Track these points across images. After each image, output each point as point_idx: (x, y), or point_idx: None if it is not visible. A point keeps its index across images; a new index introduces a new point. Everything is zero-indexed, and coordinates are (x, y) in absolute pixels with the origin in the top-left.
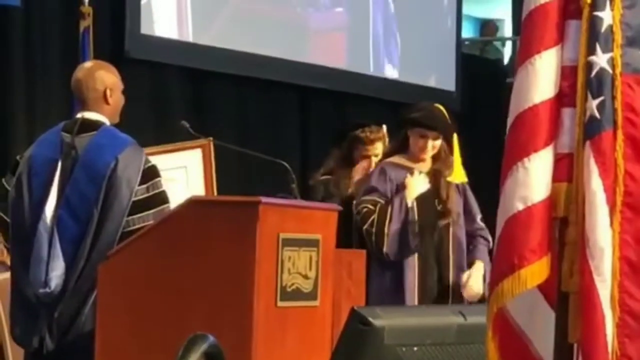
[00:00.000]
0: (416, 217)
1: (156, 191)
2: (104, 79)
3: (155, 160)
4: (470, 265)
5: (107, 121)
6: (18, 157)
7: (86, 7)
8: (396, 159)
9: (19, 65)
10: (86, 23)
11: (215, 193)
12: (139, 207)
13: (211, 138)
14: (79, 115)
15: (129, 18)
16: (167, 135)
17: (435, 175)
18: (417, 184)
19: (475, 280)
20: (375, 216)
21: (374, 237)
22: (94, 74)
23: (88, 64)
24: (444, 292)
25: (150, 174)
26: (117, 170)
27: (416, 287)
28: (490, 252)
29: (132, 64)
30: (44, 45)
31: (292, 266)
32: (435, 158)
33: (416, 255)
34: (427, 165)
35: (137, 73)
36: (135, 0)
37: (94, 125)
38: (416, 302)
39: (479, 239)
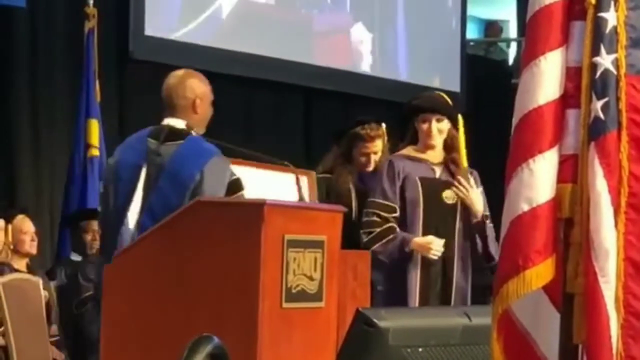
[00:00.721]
0: (421, 216)
1: None
2: (194, 87)
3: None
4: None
5: (193, 130)
6: (108, 159)
7: (91, 9)
8: (405, 150)
9: (23, 66)
10: (91, 24)
11: None
12: None
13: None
14: (165, 122)
15: (133, 19)
16: None
17: (453, 166)
18: (433, 245)
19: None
20: (375, 232)
21: (362, 245)
22: (185, 82)
23: (180, 72)
24: (447, 287)
25: (235, 187)
26: (202, 182)
27: (418, 281)
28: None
29: (137, 64)
30: (48, 46)
31: (297, 267)
32: (448, 148)
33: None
34: (438, 155)
35: (142, 74)
36: (139, 1)
37: (180, 134)
38: (418, 297)
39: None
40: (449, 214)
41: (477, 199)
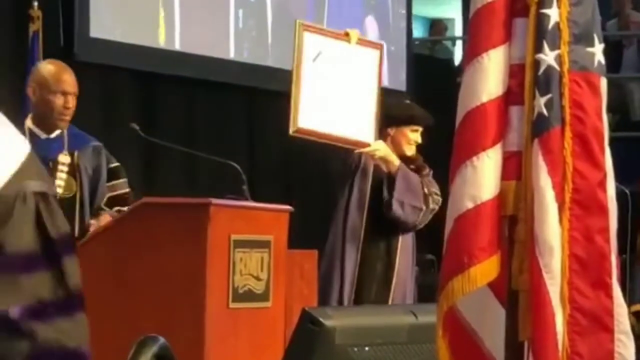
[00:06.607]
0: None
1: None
2: None
3: None
4: None
5: None
6: None
7: (35, 11)
8: None
9: None
10: (35, 26)
11: None
12: None
13: None
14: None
15: (78, 21)
16: (117, 137)
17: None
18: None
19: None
20: None
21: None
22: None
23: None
24: (388, 271)
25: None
26: None
27: (356, 275)
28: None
29: (82, 66)
30: None
31: (243, 267)
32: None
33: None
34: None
35: (87, 76)
36: (84, 3)
37: None
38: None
39: None
40: None
41: (385, 149)
